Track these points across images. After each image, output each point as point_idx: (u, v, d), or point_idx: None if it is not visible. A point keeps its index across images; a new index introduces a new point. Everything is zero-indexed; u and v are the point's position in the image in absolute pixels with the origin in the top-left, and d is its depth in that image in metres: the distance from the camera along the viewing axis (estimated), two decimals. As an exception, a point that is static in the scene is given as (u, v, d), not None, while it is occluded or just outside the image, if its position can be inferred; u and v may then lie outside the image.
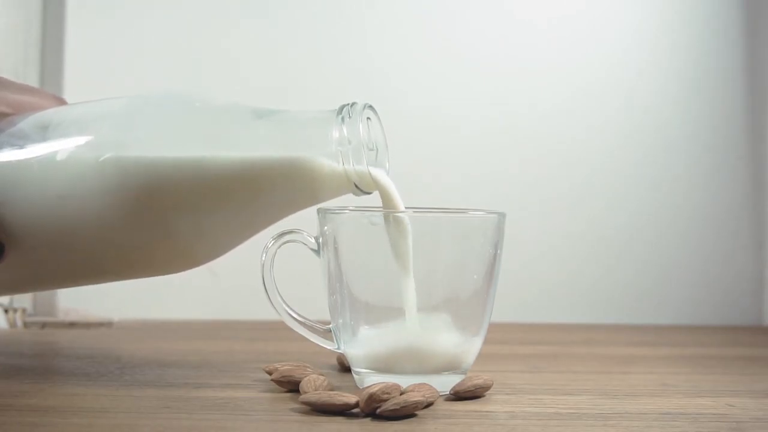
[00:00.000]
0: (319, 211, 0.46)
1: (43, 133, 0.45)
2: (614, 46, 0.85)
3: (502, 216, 0.45)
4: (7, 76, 0.50)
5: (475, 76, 0.84)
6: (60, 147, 0.44)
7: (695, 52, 0.86)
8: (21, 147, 0.45)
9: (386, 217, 0.43)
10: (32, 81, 0.76)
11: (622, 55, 0.85)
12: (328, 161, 0.43)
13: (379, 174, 0.44)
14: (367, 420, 0.39)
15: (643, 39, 0.85)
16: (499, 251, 0.45)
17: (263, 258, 0.46)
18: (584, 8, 0.85)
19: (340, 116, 0.44)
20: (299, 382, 0.43)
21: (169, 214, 0.43)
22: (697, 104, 0.86)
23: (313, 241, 0.46)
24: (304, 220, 0.47)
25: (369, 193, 0.45)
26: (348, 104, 0.44)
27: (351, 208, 0.45)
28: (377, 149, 0.46)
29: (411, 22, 0.85)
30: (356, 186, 0.44)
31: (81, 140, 0.44)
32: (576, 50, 0.85)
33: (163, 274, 0.47)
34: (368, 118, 0.45)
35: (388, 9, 0.84)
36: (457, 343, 0.44)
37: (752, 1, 0.86)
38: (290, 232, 0.46)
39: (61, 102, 0.50)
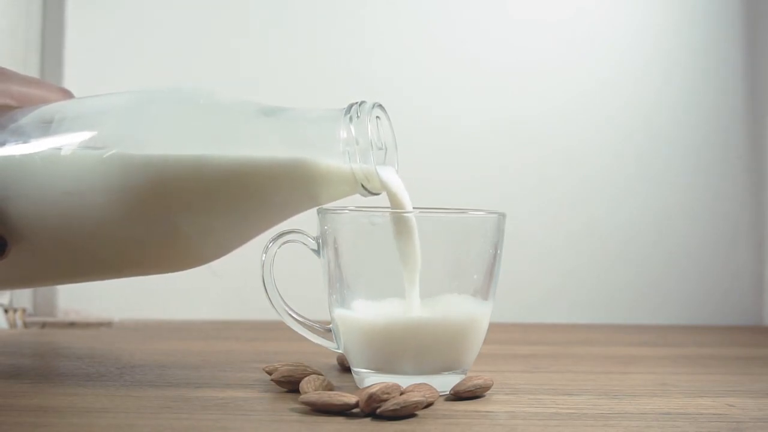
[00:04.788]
0: (319, 211, 0.46)
1: (47, 127, 0.44)
2: (615, 48, 0.85)
3: (502, 216, 0.45)
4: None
5: (476, 77, 0.84)
6: (64, 142, 0.43)
7: (695, 52, 0.86)
8: (24, 142, 0.44)
9: (392, 218, 0.43)
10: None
11: (622, 57, 0.85)
12: (335, 161, 0.43)
13: (387, 175, 0.44)
14: (367, 420, 0.39)
15: (643, 40, 0.85)
16: (499, 251, 0.45)
17: (263, 258, 0.46)
18: (585, 10, 0.85)
19: (348, 115, 0.43)
20: (299, 382, 0.43)
21: (173, 211, 0.43)
22: (697, 104, 0.86)
23: (313, 241, 0.46)
24: (304, 220, 0.47)
25: (377, 194, 0.44)
26: (356, 103, 0.44)
27: (351, 208, 0.45)
28: (386, 148, 0.45)
29: (412, 23, 0.84)
30: (363, 187, 0.44)
31: (85, 136, 0.43)
32: (576, 52, 0.85)
33: (167, 272, 0.47)
34: (377, 117, 0.45)
35: (390, 11, 0.84)
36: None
37: (752, 1, 0.86)
38: (290, 232, 0.46)
39: (67, 94, 0.50)
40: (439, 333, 0.43)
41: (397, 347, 0.43)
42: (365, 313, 0.43)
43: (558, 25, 0.85)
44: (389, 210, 0.44)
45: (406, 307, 0.43)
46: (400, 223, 0.43)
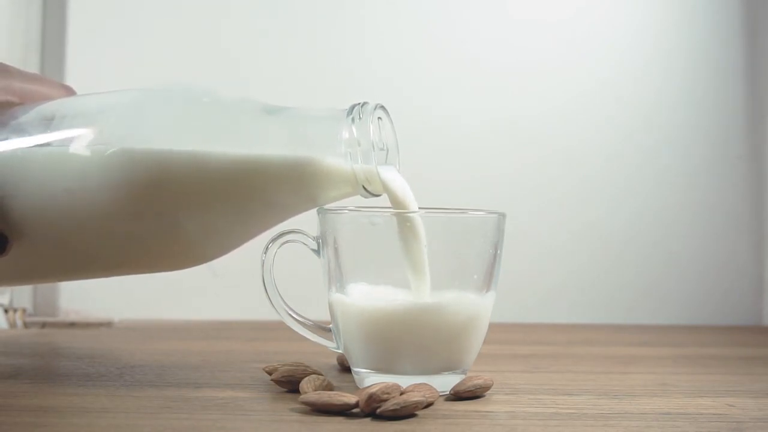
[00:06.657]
0: (319, 211, 0.46)
1: (48, 124, 0.44)
2: (615, 48, 0.85)
3: (502, 216, 0.45)
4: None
5: (476, 77, 0.84)
6: (66, 139, 0.43)
7: (695, 52, 0.86)
8: (26, 138, 0.44)
9: (397, 219, 0.43)
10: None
11: (622, 57, 0.85)
12: (336, 161, 0.43)
13: (389, 176, 0.44)
14: (367, 420, 0.39)
15: (643, 40, 0.86)
16: (499, 251, 0.45)
17: (263, 258, 0.46)
18: (585, 10, 0.85)
19: (351, 116, 0.43)
20: (299, 382, 0.43)
21: (175, 208, 0.43)
22: (697, 104, 0.86)
23: (313, 241, 0.46)
24: (304, 220, 0.47)
25: (377, 195, 0.44)
26: (359, 104, 0.44)
27: (351, 208, 0.45)
28: (387, 149, 0.45)
29: (412, 23, 0.85)
30: (365, 188, 0.44)
31: (87, 133, 0.43)
32: (577, 52, 0.85)
33: (168, 270, 0.47)
34: (379, 118, 0.45)
35: (390, 11, 0.84)
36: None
37: (752, 1, 0.86)
38: (290, 232, 0.46)
39: (69, 91, 0.50)
40: (440, 325, 0.43)
41: (396, 339, 0.43)
42: (365, 303, 0.43)
43: (558, 25, 0.85)
44: (392, 210, 0.44)
45: (407, 295, 0.43)
46: (405, 224, 0.43)
